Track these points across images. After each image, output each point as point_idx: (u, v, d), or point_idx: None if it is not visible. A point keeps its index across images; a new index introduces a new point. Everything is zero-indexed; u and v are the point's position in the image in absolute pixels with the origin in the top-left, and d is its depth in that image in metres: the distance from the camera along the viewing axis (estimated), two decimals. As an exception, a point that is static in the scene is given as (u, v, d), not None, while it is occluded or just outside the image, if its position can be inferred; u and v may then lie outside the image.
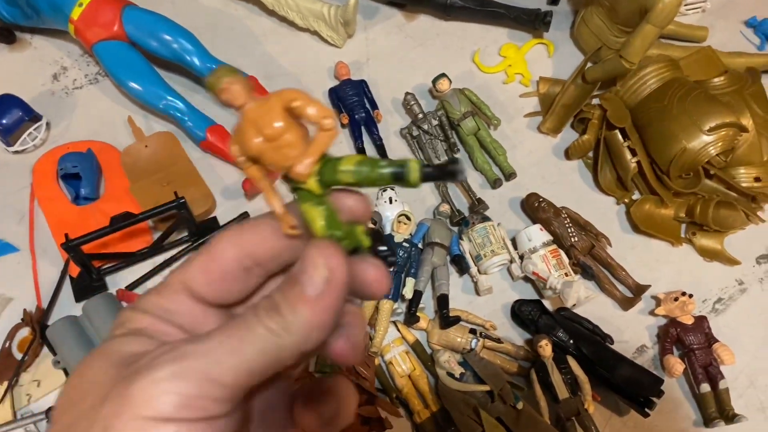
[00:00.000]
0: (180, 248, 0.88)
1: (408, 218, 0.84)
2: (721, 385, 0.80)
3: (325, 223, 0.28)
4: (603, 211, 0.93)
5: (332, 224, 0.28)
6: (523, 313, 0.84)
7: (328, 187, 0.28)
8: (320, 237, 0.28)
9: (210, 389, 0.24)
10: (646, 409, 0.76)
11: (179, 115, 0.92)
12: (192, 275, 0.29)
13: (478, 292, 0.87)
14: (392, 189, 0.89)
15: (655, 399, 0.76)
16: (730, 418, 0.78)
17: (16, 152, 0.93)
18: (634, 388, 0.77)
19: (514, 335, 0.86)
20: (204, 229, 0.88)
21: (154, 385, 0.23)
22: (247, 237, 0.29)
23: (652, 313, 0.86)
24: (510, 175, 0.93)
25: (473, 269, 0.86)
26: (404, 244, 0.84)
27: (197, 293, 0.29)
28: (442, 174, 0.28)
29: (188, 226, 0.86)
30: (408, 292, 0.82)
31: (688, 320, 0.82)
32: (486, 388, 0.76)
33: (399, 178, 0.28)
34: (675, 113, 0.89)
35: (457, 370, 0.78)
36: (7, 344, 0.81)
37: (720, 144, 0.87)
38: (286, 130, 0.27)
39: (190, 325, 0.29)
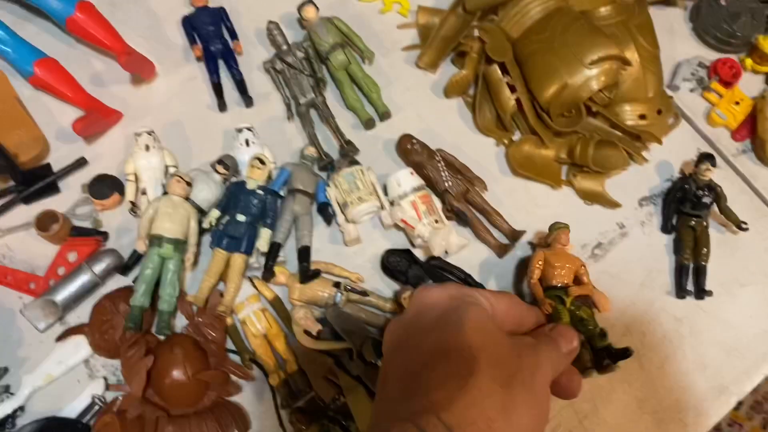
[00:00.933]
0: (5, 199, 0.77)
1: (262, 162, 0.76)
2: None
3: (569, 319, 0.68)
4: (482, 154, 0.86)
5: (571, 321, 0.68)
6: (391, 264, 0.77)
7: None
8: (565, 323, 0.66)
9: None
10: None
11: (2, 46, 0.80)
12: (499, 305, 0.52)
13: (345, 243, 0.79)
14: (249, 130, 0.80)
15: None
16: (605, 367, 0.75)
17: None
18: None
19: (385, 288, 0.79)
20: (33, 177, 0.77)
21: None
22: (517, 300, 0.56)
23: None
24: (384, 115, 0.86)
25: (340, 218, 0.79)
26: (258, 191, 0.75)
27: (494, 315, 0.50)
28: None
29: (11, 174, 0.75)
30: (263, 244, 0.74)
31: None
32: (345, 345, 0.70)
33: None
34: (556, 46, 0.82)
35: (314, 328, 0.71)
36: None
37: (603, 78, 0.81)
38: (572, 271, 0.73)
39: None
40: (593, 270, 0.80)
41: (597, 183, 0.85)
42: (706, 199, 0.81)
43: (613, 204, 0.84)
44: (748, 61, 0.93)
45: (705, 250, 0.81)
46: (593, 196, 0.84)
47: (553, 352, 0.49)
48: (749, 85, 0.93)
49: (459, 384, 0.40)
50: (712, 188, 0.82)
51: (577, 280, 0.74)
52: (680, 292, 0.81)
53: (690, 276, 0.82)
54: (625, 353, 0.70)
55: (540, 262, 0.73)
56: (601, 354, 0.73)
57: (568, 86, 0.81)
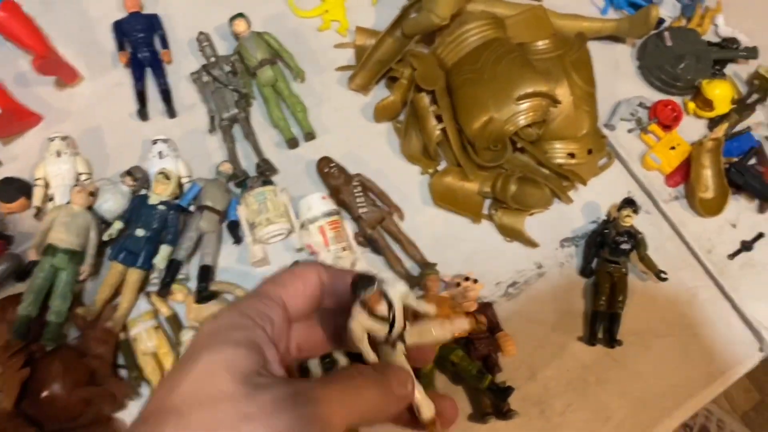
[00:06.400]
0: None
1: (167, 177, 0.75)
2: (497, 379, 0.74)
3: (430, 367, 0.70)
4: (406, 182, 0.85)
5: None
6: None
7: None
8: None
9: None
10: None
11: None
12: (290, 293, 0.36)
13: (251, 264, 0.78)
14: (164, 142, 0.79)
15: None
16: (504, 413, 0.73)
17: None
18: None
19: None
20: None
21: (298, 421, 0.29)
22: (324, 270, 0.37)
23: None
24: (308, 135, 0.84)
25: (248, 238, 0.78)
26: (160, 206, 0.74)
27: (288, 308, 0.36)
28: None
29: None
30: (160, 261, 0.73)
31: (472, 307, 0.76)
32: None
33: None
34: (486, 78, 0.80)
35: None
36: None
37: (530, 114, 0.79)
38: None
39: (278, 334, 0.34)
40: (505, 309, 0.79)
41: (517, 220, 0.83)
42: (625, 246, 0.79)
43: (530, 243, 0.82)
44: (691, 105, 0.91)
45: (621, 297, 0.79)
46: (513, 234, 0.82)
47: (373, 392, 0.34)
48: (690, 129, 0.90)
49: None
50: (632, 235, 0.80)
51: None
52: (591, 339, 0.78)
53: (605, 323, 0.79)
54: (505, 392, 0.69)
55: None
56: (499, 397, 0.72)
57: (494, 120, 0.79)
